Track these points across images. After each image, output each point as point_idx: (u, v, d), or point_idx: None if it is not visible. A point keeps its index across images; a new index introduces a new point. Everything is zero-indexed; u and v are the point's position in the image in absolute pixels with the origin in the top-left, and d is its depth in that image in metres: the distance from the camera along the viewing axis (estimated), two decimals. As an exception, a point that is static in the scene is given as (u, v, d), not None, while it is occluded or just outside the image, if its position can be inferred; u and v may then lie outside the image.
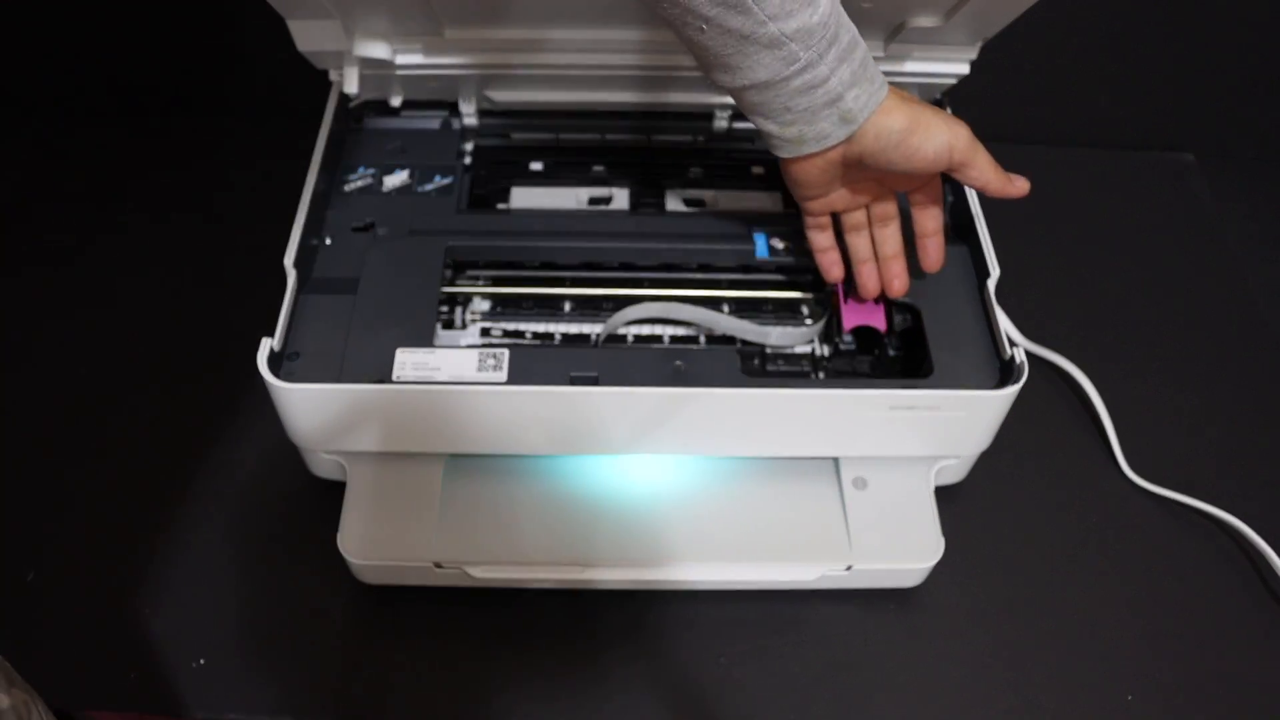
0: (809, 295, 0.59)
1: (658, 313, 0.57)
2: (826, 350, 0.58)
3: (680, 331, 0.58)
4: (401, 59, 0.56)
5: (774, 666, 0.53)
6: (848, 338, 0.56)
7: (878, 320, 0.55)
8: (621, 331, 0.58)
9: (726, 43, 0.41)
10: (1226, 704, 0.53)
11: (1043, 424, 0.64)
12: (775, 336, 0.56)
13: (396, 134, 0.64)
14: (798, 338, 0.57)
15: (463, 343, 0.57)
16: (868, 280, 0.53)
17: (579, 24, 0.54)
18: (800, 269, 0.59)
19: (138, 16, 0.75)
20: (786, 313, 0.58)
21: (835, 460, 0.56)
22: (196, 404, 0.62)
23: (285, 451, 0.55)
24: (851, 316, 0.55)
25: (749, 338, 0.57)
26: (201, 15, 0.75)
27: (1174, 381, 0.67)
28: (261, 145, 0.78)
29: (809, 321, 0.58)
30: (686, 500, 0.54)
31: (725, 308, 0.58)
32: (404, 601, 0.55)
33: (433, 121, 0.65)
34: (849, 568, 0.53)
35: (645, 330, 0.58)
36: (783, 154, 0.47)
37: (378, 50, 0.55)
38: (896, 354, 0.56)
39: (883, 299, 0.56)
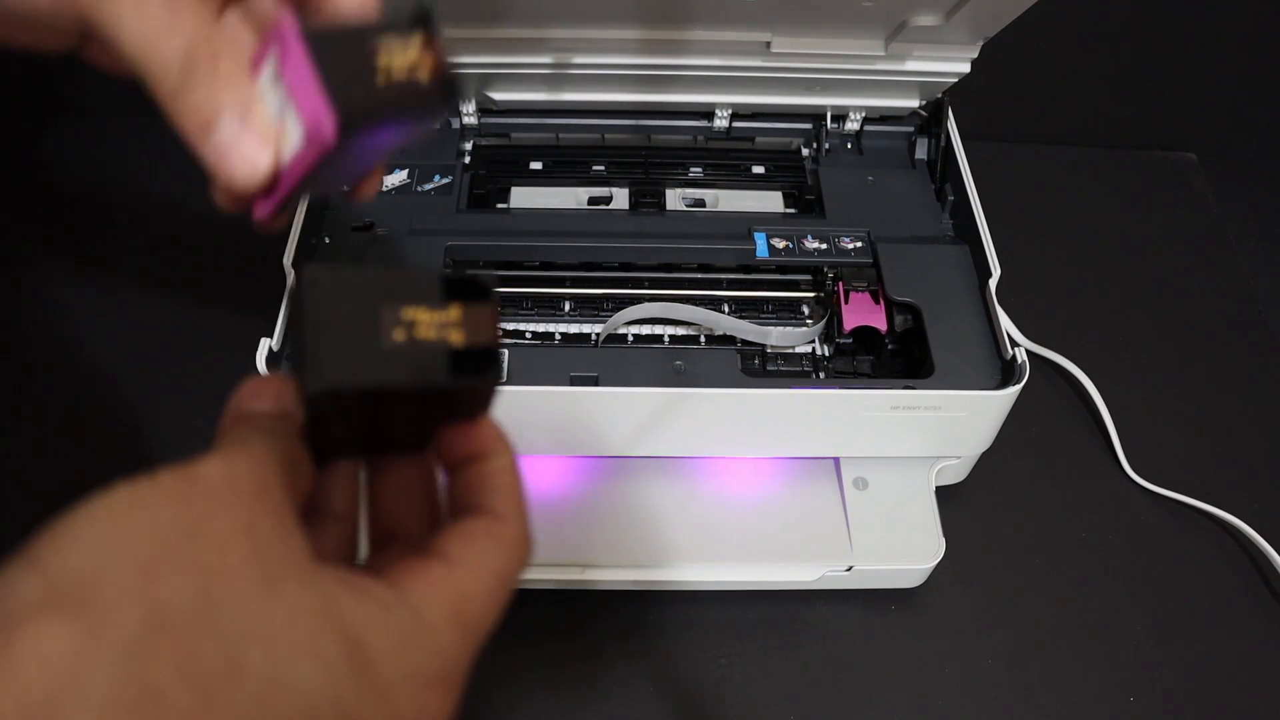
0: (809, 295, 0.59)
1: (658, 313, 0.57)
2: (827, 350, 0.57)
3: (680, 331, 0.58)
4: (401, 58, 0.56)
5: (774, 666, 0.53)
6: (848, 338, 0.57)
7: (878, 320, 0.55)
8: (621, 331, 0.58)
9: None
10: (1227, 704, 0.53)
11: (1044, 424, 0.64)
12: (775, 336, 0.56)
13: (396, 133, 0.64)
14: (798, 338, 0.57)
15: (462, 342, 0.56)
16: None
17: (579, 23, 0.54)
18: (801, 269, 0.58)
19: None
20: (787, 313, 0.58)
21: (836, 460, 0.56)
22: (195, 404, 0.62)
23: (284, 451, 0.55)
24: (852, 317, 0.55)
25: (749, 337, 0.56)
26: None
27: (1175, 381, 0.67)
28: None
29: (809, 322, 0.58)
30: (686, 500, 0.54)
31: (725, 308, 0.58)
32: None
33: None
34: (849, 568, 0.52)
35: (645, 330, 0.58)
36: None
37: (377, 49, 0.55)
38: (897, 354, 0.56)
39: (883, 299, 0.56)
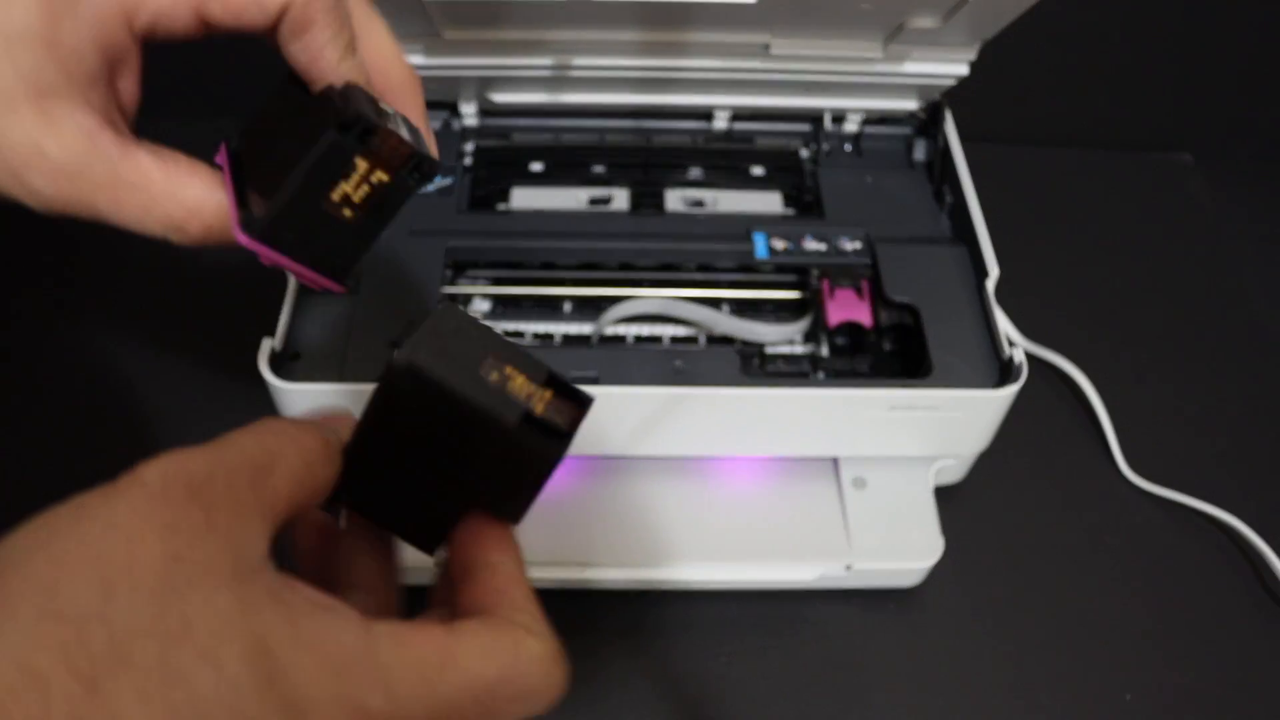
0: (794, 295, 0.59)
1: (648, 309, 0.57)
2: (826, 350, 0.58)
3: (680, 331, 0.58)
4: (401, 60, 0.56)
5: (774, 666, 0.53)
6: (841, 336, 0.57)
7: (863, 315, 0.55)
8: (621, 332, 0.58)
9: None
10: (1226, 704, 0.53)
11: (1042, 424, 0.64)
12: (761, 333, 0.56)
13: (396, 135, 0.64)
14: (779, 335, 0.57)
15: (463, 343, 0.57)
16: None
17: (579, 25, 0.54)
18: (801, 269, 0.59)
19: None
20: (787, 313, 0.58)
21: (834, 460, 0.56)
22: (197, 405, 0.62)
23: (285, 452, 0.55)
24: (836, 312, 0.55)
25: (735, 333, 0.57)
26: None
27: (1173, 381, 0.67)
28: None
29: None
30: (686, 500, 0.55)
31: (725, 308, 0.58)
32: (404, 601, 0.55)
33: (433, 122, 0.65)
34: (848, 567, 0.53)
35: (645, 330, 0.58)
36: None
37: (378, 51, 0.55)
38: (896, 354, 0.56)
39: (867, 294, 0.56)
